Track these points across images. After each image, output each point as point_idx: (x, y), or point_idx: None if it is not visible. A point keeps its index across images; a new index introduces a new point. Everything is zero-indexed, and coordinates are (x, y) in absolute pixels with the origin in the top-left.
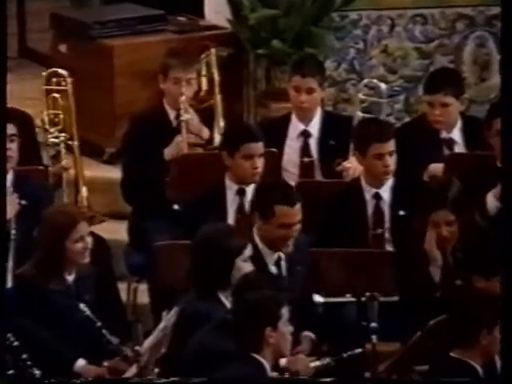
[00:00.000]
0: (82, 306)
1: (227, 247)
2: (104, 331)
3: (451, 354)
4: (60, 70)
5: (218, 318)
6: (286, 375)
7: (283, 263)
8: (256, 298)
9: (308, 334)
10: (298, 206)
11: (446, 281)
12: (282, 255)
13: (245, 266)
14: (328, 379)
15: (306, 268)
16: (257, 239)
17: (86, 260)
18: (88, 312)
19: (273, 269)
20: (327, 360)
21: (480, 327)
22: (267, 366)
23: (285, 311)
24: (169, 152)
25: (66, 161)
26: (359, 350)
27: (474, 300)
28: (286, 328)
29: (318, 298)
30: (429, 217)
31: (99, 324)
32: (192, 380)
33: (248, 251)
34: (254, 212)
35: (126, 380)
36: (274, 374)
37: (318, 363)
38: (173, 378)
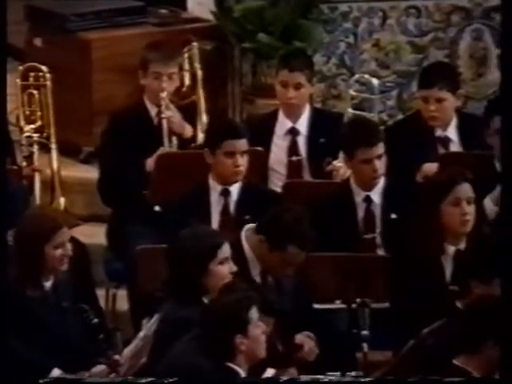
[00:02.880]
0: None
1: (196, 251)
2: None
3: (454, 362)
4: (39, 65)
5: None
6: None
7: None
8: (220, 306)
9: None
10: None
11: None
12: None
13: (221, 269)
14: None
15: (296, 275)
16: (244, 242)
17: (65, 267)
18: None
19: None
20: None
21: (486, 336)
22: (242, 373)
23: (253, 312)
24: (151, 163)
25: (38, 162)
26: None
27: (478, 307)
28: (257, 330)
29: None
30: (445, 198)
31: (96, 321)
32: (166, 380)
33: (224, 252)
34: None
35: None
36: None
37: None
38: (150, 378)
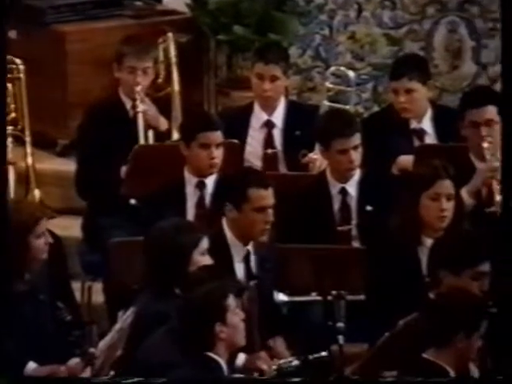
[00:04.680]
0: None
1: (180, 242)
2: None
3: (424, 356)
4: (12, 58)
5: (171, 321)
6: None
7: (252, 258)
8: (199, 294)
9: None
10: (271, 190)
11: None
12: (251, 250)
13: (202, 259)
14: (293, 380)
15: (275, 267)
16: (227, 232)
17: (45, 256)
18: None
19: (239, 266)
20: (291, 361)
21: (457, 329)
22: (222, 362)
23: (231, 300)
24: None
25: (13, 155)
26: (325, 353)
27: (447, 299)
28: (236, 317)
29: (281, 297)
30: (425, 192)
31: (69, 318)
32: (154, 380)
33: (204, 244)
34: (221, 202)
35: (89, 380)
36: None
37: (281, 362)
38: (137, 378)
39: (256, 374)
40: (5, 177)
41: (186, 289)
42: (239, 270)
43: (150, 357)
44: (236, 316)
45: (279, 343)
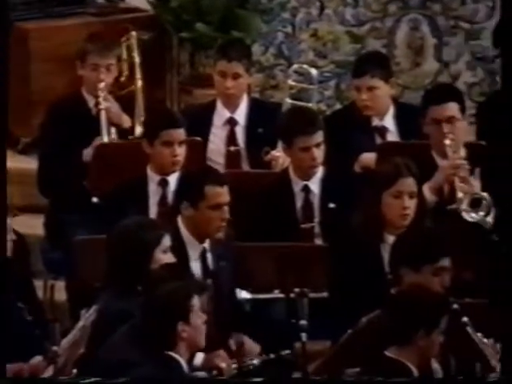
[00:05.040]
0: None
1: (143, 239)
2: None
3: (386, 353)
4: None
5: (132, 320)
6: (203, 374)
7: (209, 256)
8: (163, 292)
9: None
10: (226, 187)
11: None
12: (208, 247)
13: (164, 257)
14: (255, 379)
15: (231, 264)
16: (183, 230)
17: (9, 253)
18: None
19: (196, 264)
20: (252, 361)
21: (417, 326)
22: (183, 361)
23: (196, 301)
24: (87, 153)
25: None
26: (287, 351)
27: (407, 296)
28: (198, 319)
29: (244, 295)
30: (387, 189)
31: (30, 318)
32: (116, 380)
33: (166, 241)
34: (179, 200)
35: (51, 380)
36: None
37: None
38: (98, 378)
39: (215, 373)
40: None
41: (149, 287)
42: (196, 267)
43: (112, 355)
44: (199, 318)
45: (242, 340)
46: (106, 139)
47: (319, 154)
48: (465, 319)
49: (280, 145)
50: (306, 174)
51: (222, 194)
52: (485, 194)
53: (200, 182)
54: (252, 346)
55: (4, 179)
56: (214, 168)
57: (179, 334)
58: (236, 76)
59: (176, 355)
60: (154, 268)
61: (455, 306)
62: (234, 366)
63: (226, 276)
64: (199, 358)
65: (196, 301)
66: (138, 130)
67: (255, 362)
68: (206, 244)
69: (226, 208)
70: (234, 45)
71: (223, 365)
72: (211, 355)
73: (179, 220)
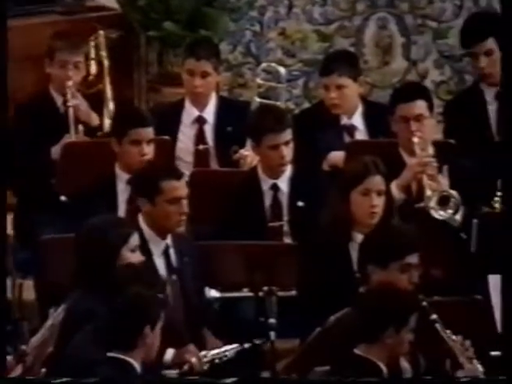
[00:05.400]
0: None
1: (110, 238)
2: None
3: (355, 351)
4: None
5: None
6: (174, 372)
7: (172, 252)
8: (139, 295)
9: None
10: (183, 181)
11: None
12: (170, 243)
13: (132, 256)
14: (225, 380)
15: (194, 260)
16: (144, 227)
17: None
18: None
19: (159, 260)
20: (223, 350)
21: (386, 324)
22: (137, 366)
23: (163, 314)
24: (56, 151)
25: None
26: (259, 340)
27: (375, 294)
28: (159, 331)
29: (213, 293)
30: (355, 188)
31: None
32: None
33: (134, 240)
34: (138, 197)
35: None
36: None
37: (213, 353)
38: (66, 379)
39: (186, 368)
40: None
41: (116, 287)
42: (160, 264)
43: (75, 354)
44: (159, 329)
45: (207, 335)
46: (73, 137)
47: (288, 152)
48: (434, 316)
49: (249, 143)
50: (275, 173)
51: (179, 187)
52: (453, 192)
53: (155, 177)
54: (214, 342)
55: None
56: (169, 162)
57: (143, 337)
58: (204, 74)
59: (130, 359)
60: (121, 267)
61: (424, 303)
62: (205, 359)
63: (191, 272)
64: (169, 354)
65: (163, 314)
66: (107, 128)
67: (228, 353)
68: (169, 240)
69: (184, 202)
70: (202, 43)
71: (194, 360)
72: (181, 351)
73: (140, 217)
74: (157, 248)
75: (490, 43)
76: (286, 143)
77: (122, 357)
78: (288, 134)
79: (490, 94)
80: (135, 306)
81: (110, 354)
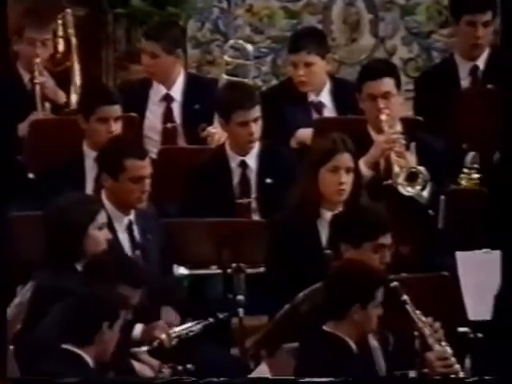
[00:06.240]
0: None
1: (77, 215)
2: None
3: (324, 328)
4: None
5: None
6: (145, 348)
7: (135, 228)
8: (101, 291)
9: (168, 308)
10: (147, 160)
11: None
12: (133, 219)
13: (99, 234)
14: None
15: (159, 238)
16: (106, 203)
17: None
18: None
19: (123, 235)
20: (189, 325)
21: (352, 301)
22: (90, 361)
23: (124, 314)
24: (23, 127)
25: None
26: (225, 313)
27: (343, 271)
28: (117, 329)
29: (182, 271)
30: (324, 165)
31: None
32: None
33: (102, 218)
34: (101, 173)
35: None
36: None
37: (179, 328)
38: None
39: (156, 344)
40: None
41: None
42: (124, 240)
43: (40, 340)
44: (117, 329)
45: (169, 312)
46: (40, 114)
47: (257, 128)
48: (404, 297)
49: (217, 120)
50: (243, 150)
51: (143, 167)
52: (421, 168)
53: (120, 154)
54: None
55: None
56: (136, 140)
57: (101, 334)
58: (153, 56)
59: (84, 354)
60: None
61: (395, 283)
62: (174, 335)
63: (154, 249)
64: (138, 329)
65: (125, 314)
66: (74, 105)
67: (195, 328)
68: (132, 216)
69: (147, 181)
70: (155, 24)
71: (163, 336)
72: (150, 327)
73: (103, 193)
74: (120, 224)
75: (489, 15)
76: (255, 120)
77: (77, 350)
78: (257, 111)
79: (464, 69)
80: (96, 302)
81: (64, 346)
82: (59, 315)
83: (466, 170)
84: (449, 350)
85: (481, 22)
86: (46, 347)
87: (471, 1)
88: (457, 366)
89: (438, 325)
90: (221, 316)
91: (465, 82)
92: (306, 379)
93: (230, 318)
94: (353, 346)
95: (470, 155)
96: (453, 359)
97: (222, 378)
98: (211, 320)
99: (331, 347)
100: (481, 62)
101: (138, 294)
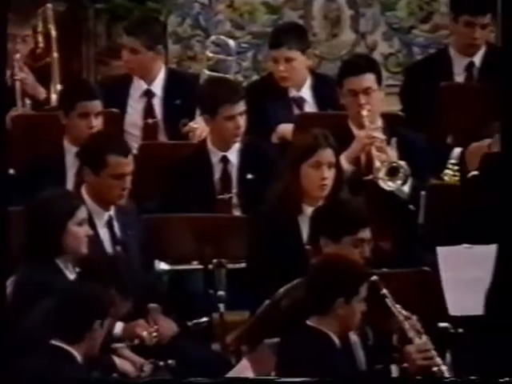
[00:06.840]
0: None
1: (56, 211)
2: None
3: (307, 323)
4: None
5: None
6: (124, 344)
7: (115, 224)
8: (95, 291)
9: (154, 306)
10: (130, 157)
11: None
12: (113, 215)
13: (79, 230)
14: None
15: (139, 233)
16: (86, 198)
17: None
18: None
19: (103, 231)
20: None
21: (336, 295)
22: (79, 358)
23: (113, 311)
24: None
25: None
26: (205, 318)
27: (326, 265)
28: (106, 327)
29: (163, 266)
30: (306, 160)
31: None
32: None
33: (82, 213)
34: (82, 167)
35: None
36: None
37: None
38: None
39: (137, 342)
40: None
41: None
42: (104, 235)
43: (27, 335)
44: (104, 331)
45: (154, 310)
46: (20, 110)
47: (243, 122)
48: (384, 291)
49: (199, 116)
50: (227, 144)
51: (126, 164)
52: (402, 163)
53: (103, 150)
54: (169, 325)
55: None
56: (119, 137)
57: (93, 332)
58: (134, 51)
59: (73, 351)
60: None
61: (374, 277)
62: (154, 334)
63: (135, 245)
64: (119, 327)
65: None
66: (54, 102)
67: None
68: (112, 212)
69: (128, 178)
70: (136, 20)
71: (144, 333)
72: (131, 324)
73: (83, 188)
74: (100, 219)
75: (488, 18)
76: (241, 114)
77: (66, 347)
78: (242, 105)
79: (460, 64)
80: (89, 301)
81: (54, 343)
82: (48, 312)
83: (450, 166)
84: (429, 342)
85: (480, 24)
86: (33, 343)
87: (472, 2)
88: (438, 359)
89: (414, 318)
90: (200, 321)
91: (459, 78)
92: (282, 379)
93: (211, 324)
94: (336, 340)
95: (456, 151)
96: (433, 352)
97: (201, 378)
98: (190, 324)
99: (314, 342)
100: (477, 59)
101: (127, 306)
